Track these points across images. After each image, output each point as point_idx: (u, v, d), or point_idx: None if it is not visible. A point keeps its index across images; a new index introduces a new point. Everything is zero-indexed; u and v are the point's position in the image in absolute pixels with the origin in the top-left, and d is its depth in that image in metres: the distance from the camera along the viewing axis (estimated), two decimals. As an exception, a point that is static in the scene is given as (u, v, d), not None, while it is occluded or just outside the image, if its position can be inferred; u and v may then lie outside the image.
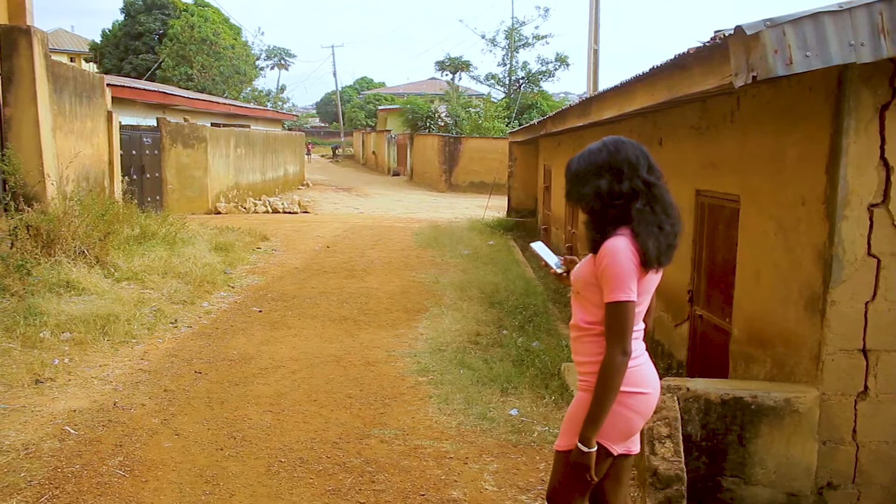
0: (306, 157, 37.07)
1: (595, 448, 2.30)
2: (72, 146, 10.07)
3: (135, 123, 15.48)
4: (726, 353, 4.51)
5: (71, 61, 32.79)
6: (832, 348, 3.36)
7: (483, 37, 37.29)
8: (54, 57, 9.96)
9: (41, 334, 6.01)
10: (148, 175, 15.61)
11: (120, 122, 13.21)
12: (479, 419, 4.75)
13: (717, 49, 3.27)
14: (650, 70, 4.51)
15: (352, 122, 58.98)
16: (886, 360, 3.37)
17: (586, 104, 7.25)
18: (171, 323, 7.03)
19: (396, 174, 37.07)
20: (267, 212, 19.01)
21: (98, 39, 35.54)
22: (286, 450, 4.26)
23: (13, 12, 9.57)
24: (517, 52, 36.35)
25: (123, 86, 15.47)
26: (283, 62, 68.86)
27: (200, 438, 4.39)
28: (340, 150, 57.78)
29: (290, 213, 19.12)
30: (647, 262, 2.26)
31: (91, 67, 31.91)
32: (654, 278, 2.37)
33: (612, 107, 5.85)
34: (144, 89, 17.10)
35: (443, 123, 32.62)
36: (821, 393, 3.41)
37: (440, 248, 12.41)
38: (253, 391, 5.26)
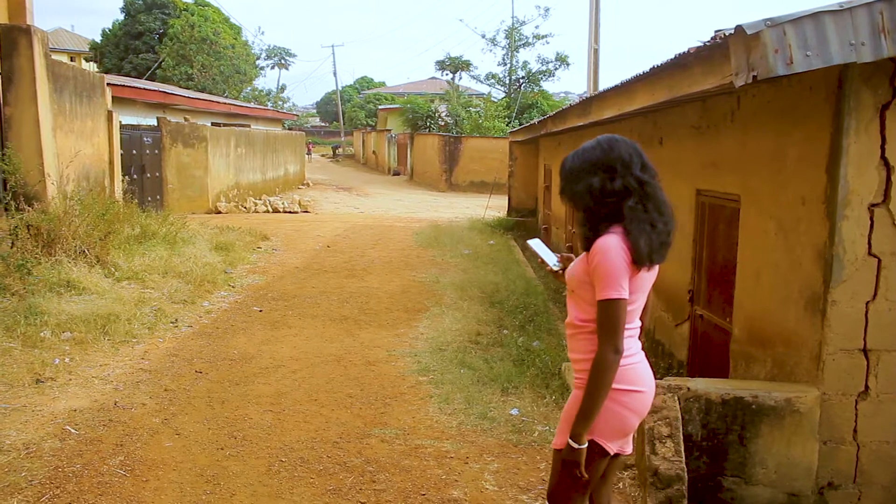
0: (307, 156, 37.08)
1: (585, 445, 2.30)
2: (72, 146, 10.07)
3: (135, 123, 15.48)
4: (727, 353, 4.51)
5: (71, 61, 32.77)
6: (833, 348, 3.36)
7: (483, 36, 37.34)
8: (54, 56, 9.95)
9: (42, 334, 6.01)
10: (148, 174, 15.61)
11: (120, 122, 13.21)
12: (480, 419, 4.75)
13: (718, 49, 3.26)
14: (650, 69, 4.51)
15: (352, 122, 58.96)
16: (887, 360, 3.37)
17: (586, 104, 7.25)
18: (172, 322, 7.04)
19: (397, 174, 37.06)
20: (267, 211, 19.01)
21: (98, 39, 35.57)
22: (287, 449, 4.26)
23: (13, 11, 9.58)
24: (517, 52, 36.36)
25: (124, 85, 15.47)
26: (283, 62, 68.84)
27: (201, 438, 4.39)
28: (341, 149, 57.78)
29: (290, 212, 19.11)
30: (638, 260, 2.26)
31: (91, 67, 31.91)
32: (648, 276, 2.37)
33: (613, 106, 5.85)
34: (145, 89, 17.10)
35: (443, 123, 32.62)
36: (821, 393, 3.41)
37: (440, 247, 12.41)
38: (253, 391, 5.26)
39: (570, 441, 2.31)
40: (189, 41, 32.21)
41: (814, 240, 3.49)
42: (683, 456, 3.30)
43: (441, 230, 14.40)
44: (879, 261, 3.31)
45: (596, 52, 15.85)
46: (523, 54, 68.79)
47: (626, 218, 2.29)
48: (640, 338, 2.52)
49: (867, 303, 3.33)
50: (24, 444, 4.20)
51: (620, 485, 3.86)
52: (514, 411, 4.90)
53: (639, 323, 2.46)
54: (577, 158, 2.41)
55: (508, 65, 36.33)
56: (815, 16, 2.81)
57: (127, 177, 13.46)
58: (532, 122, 14.68)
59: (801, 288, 3.60)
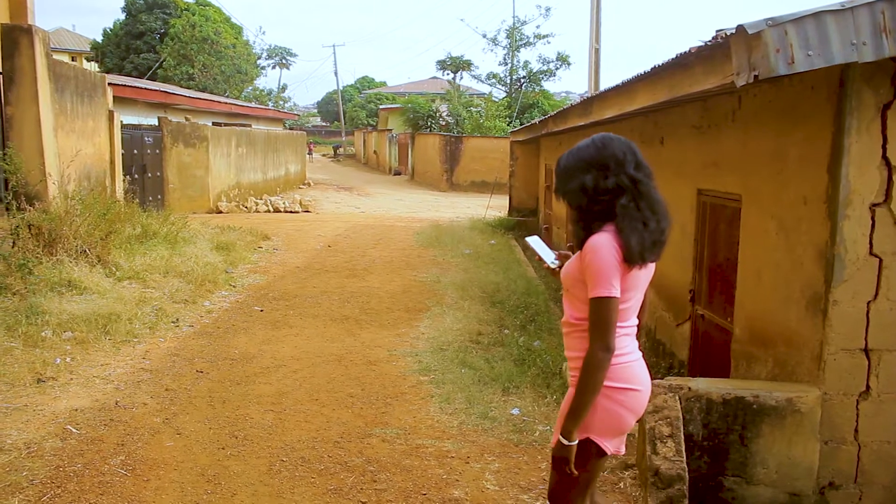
0: (308, 157, 37.10)
1: (576, 442, 2.30)
2: (73, 145, 10.08)
3: (136, 123, 15.48)
4: (728, 353, 4.51)
5: (72, 60, 32.79)
6: (834, 348, 3.36)
7: (484, 36, 37.19)
8: (56, 56, 9.95)
9: (43, 333, 6.01)
10: (149, 174, 15.62)
11: (121, 122, 13.21)
12: (481, 418, 4.75)
13: (719, 48, 3.26)
14: (651, 69, 4.51)
15: (353, 122, 58.98)
16: (888, 360, 3.36)
17: (587, 103, 7.25)
18: (173, 322, 7.04)
19: (398, 173, 37.06)
20: (268, 211, 19.01)
21: (99, 38, 35.58)
22: (288, 449, 4.26)
23: (15, 11, 9.58)
24: (518, 52, 36.32)
25: (125, 85, 15.47)
26: (284, 61, 68.89)
27: (202, 437, 4.39)
28: (342, 149, 57.79)
29: (291, 212, 19.11)
30: (629, 259, 2.25)
31: (92, 66, 31.90)
32: (643, 274, 2.37)
33: (614, 106, 5.85)
34: (146, 88, 17.10)
35: (444, 123, 32.60)
36: (822, 392, 3.40)
37: (441, 247, 12.41)
38: (254, 390, 5.27)
39: (560, 438, 2.32)
40: (190, 41, 32.22)
41: (815, 239, 3.48)
42: (684, 456, 3.30)
43: (442, 230, 14.40)
44: (881, 260, 3.30)
45: (597, 51, 15.84)
46: (524, 54, 68.87)
47: (619, 216, 2.29)
48: (638, 336, 2.51)
49: (868, 302, 3.33)
50: (26, 443, 4.20)
51: (621, 484, 3.86)
52: (516, 411, 4.90)
53: (635, 321, 2.46)
54: (572, 157, 2.42)
55: (509, 64, 36.32)
56: (817, 15, 2.81)
57: (128, 176, 13.46)
58: (533, 121, 14.68)
59: (802, 288, 3.60)
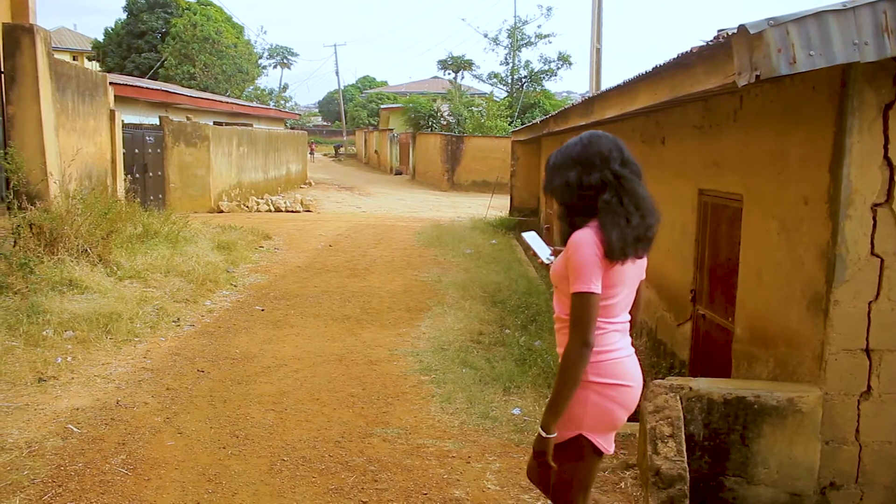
0: (310, 156, 37.08)
1: (554, 435, 2.32)
2: (74, 144, 10.08)
3: (137, 122, 15.50)
4: (729, 353, 4.50)
5: (74, 60, 32.83)
6: (835, 348, 3.36)
7: (486, 36, 37.11)
8: (57, 55, 9.96)
9: (44, 332, 6.02)
10: (150, 174, 15.63)
11: (122, 121, 13.22)
12: (482, 418, 4.75)
13: (721, 48, 3.26)
14: (653, 69, 4.50)
15: (354, 121, 59.00)
16: (889, 360, 3.36)
17: (589, 103, 7.24)
18: (174, 321, 7.04)
19: (399, 173, 37.07)
20: (269, 210, 19.02)
21: (101, 38, 35.61)
22: (289, 448, 4.26)
23: (16, 11, 9.58)
24: (520, 51, 36.32)
25: (126, 84, 15.48)
26: (285, 61, 68.97)
27: (203, 437, 4.40)
28: (343, 148, 57.81)
29: (292, 211, 19.13)
30: (609, 254, 2.26)
31: (94, 66, 31.94)
32: (630, 270, 2.37)
33: (615, 106, 5.84)
34: (147, 88, 17.11)
35: (445, 122, 32.61)
36: (824, 393, 3.40)
37: (442, 247, 12.41)
38: (255, 390, 5.27)
39: (539, 430, 2.33)
40: (191, 40, 32.24)
41: (816, 239, 3.48)
42: (685, 456, 3.30)
43: (443, 230, 14.40)
44: (882, 261, 3.30)
45: (598, 51, 15.82)
46: (526, 54, 68.80)
47: (601, 211, 2.30)
48: (632, 333, 2.52)
49: (870, 303, 3.32)
50: (27, 442, 4.20)
51: (622, 484, 3.86)
52: (517, 411, 4.90)
53: (626, 317, 2.46)
54: (559, 154, 2.45)
55: (511, 64, 36.31)
56: (819, 15, 2.81)
57: (129, 176, 13.47)
58: (534, 121, 14.68)
59: (803, 288, 3.59)
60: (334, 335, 6.86)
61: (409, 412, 4.90)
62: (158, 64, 32.64)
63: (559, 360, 2.48)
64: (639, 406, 3.41)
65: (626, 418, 2.44)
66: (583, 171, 2.34)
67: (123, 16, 34.84)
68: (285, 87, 62.15)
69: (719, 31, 3.27)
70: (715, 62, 3.41)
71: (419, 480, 3.89)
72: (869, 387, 3.39)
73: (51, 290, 6.89)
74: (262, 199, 19.95)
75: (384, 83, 64.75)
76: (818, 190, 3.47)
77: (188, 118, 17.80)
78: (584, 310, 2.24)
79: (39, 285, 6.89)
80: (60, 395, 5.01)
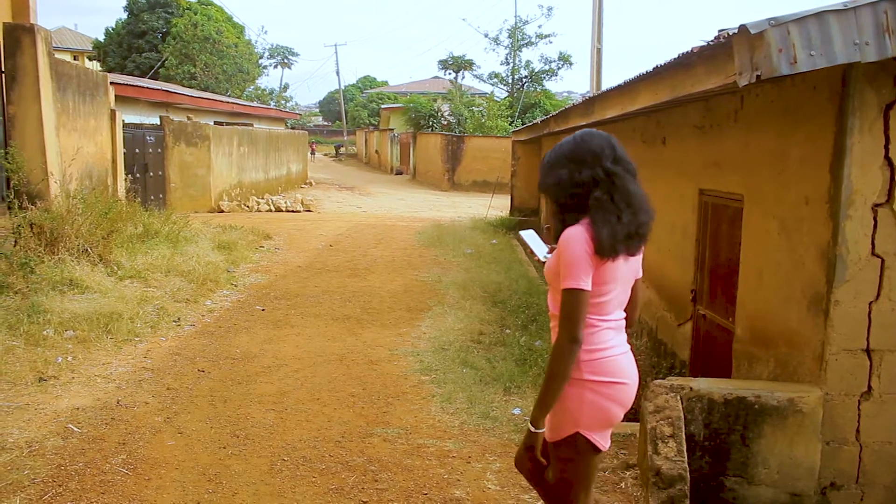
0: (311, 156, 37.07)
1: (543, 430, 2.34)
2: (75, 144, 10.08)
3: (138, 122, 15.50)
4: (729, 353, 4.50)
5: (74, 59, 32.85)
6: (836, 348, 3.36)
7: (486, 35, 37.04)
8: (58, 55, 9.96)
9: (44, 332, 6.02)
10: (151, 173, 15.63)
11: (123, 121, 13.23)
12: (482, 418, 4.75)
13: (721, 48, 3.26)
14: (653, 69, 4.50)
15: (355, 121, 59.02)
16: (890, 360, 3.36)
17: (589, 103, 7.24)
18: (175, 321, 7.04)
19: (399, 173, 37.07)
20: (270, 210, 19.02)
21: (101, 38, 35.61)
22: (289, 448, 4.26)
23: (17, 10, 9.58)
24: (520, 51, 36.27)
25: (127, 84, 15.49)
26: (286, 61, 68.96)
27: (203, 437, 4.40)
28: (343, 148, 57.81)
29: (292, 211, 19.13)
30: (599, 251, 2.26)
31: (94, 66, 31.93)
32: (623, 267, 2.37)
33: (615, 106, 5.84)
34: (147, 87, 17.12)
35: (446, 122, 32.61)
36: (824, 393, 3.40)
37: (443, 247, 12.41)
38: (256, 390, 5.27)
39: (529, 425, 2.35)
40: (192, 40, 32.24)
41: (817, 240, 3.48)
42: (686, 456, 3.30)
43: (443, 229, 14.40)
44: (883, 261, 3.30)
45: (599, 51, 15.82)
46: (526, 53, 68.64)
47: (591, 208, 2.31)
48: (629, 331, 2.52)
49: (870, 303, 3.32)
50: (27, 442, 4.20)
51: (623, 484, 3.86)
52: (517, 411, 4.90)
53: (620, 315, 2.46)
54: (553, 153, 2.46)
55: (511, 64, 36.28)
56: (820, 15, 2.80)
57: (130, 175, 13.47)
58: (535, 121, 14.68)
59: (804, 288, 3.59)
60: (335, 335, 6.86)
61: (409, 412, 4.90)
62: (159, 64, 32.65)
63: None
64: (639, 406, 3.42)
65: (622, 415, 2.45)
66: (574, 168, 2.35)
67: (124, 15, 34.85)
68: (286, 87, 62.24)
69: (720, 31, 3.27)
70: (716, 62, 3.41)
71: (419, 480, 3.89)
72: (869, 387, 3.39)
73: (51, 289, 6.89)
74: (263, 198, 19.95)
75: (385, 83, 64.75)
76: (819, 190, 3.47)
77: (189, 118, 17.81)
78: (573, 306, 2.25)
79: (40, 285, 6.89)
80: (61, 394, 5.02)
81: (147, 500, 3.61)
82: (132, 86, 15.82)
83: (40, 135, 8.77)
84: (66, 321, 6.26)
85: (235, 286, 8.94)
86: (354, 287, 9.09)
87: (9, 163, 8.16)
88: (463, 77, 40.88)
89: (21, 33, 8.73)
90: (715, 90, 3.73)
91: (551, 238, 2.43)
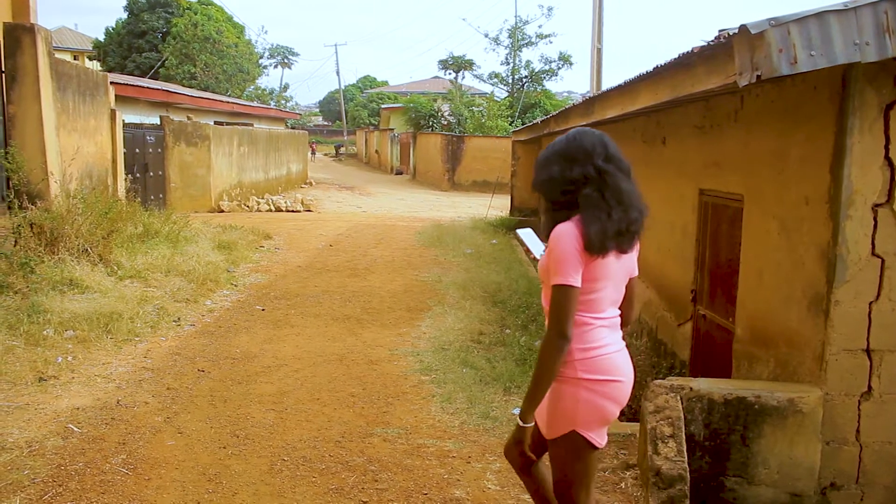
0: (311, 156, 37.06)
1: (531, 424, 2.36)
2: (75, 144, 10.08)
3: (138, 121, 15.50)
4: (729, 353, 4.50)
5: (74, 59, 32.87)
6: (836, 348, 3.36)
7: (486, 36, 37.00)
8: (58, 55, 9.95)
9: (44, 332, 6.02)
10: (151, 173, 15.63)
11: (123, 120, 13.23)
12: (482, 418, 4.75)
13: (722, 48, 3.26)
14: (654, 69, 4.50)
15: (355, 121, 59.02)
16: (890, 360, 3.36)
17: (589, 103, 7.24)
18: (175, 321, 7.04)
19: (399, 173, 37.07)
20: (270, 210, 19.02)
21: (101, 37, 35.62)
22: (289, 448, 4.26)
23: (17, 10, 9.58)
24: (520, 51, 36.24)
25: (127, 84, 15.49)
26: (286, 61, 68.97)
27: (203, 437, 4.40)
28: (343, 148, 57.81)
29: (293, 211, 19.12)
30: (588, 248, 2.27)
31: (94, 65, 31.92)
32: (615, 264, 2.37)
33: (616, 106, 5.84)
34: (148, 87, 17.12)
35: (446, 122, 32.60)
36: (824, 393, 3.40)
37: (443, 246, 12.42)
38: (256, 389, 5.27)
39: (518, 419, 2.36)
40: (192, 40, 32.25)
41: (817, 240, 3.48)
42: (686, 456, 3.30)
43: (443, 229, 14.40)
44: (883, 261, 3.30)
45: (599, 51, 15.82)
46: (526, 53, 68.64)
47: (581, 205, 2.32)
48: (623, 329, 2.52)
49: (870, 303, 3.32)
50: (27, 442, 4.20)
51: (623, 485, 3.86)
52: (517, 411, 4.86)
53: (614, 312, 2.46)
54: (547, 151, 2.48)
55: (511, 64, 36.26)
56: (820, 15, 2.80)
57: (130, 175, 13.47)
58: (535, 121, 14.68)
59: (804, 288, 3.59)
60: (335, 335, 6.86)
61: (409, 412, 4.90)
62: (159, 63, 32.65)
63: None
64: (639, 406, 3.42)
65: (617, 412, 2.46)
66: (566, 165, 2.37)
67: (124, 15, 34.86)
68: (286, 87, 62.27)
69: (720, 31, 3.27)
70: (716, 62, 3.41)
71: (419, 480, 3.89)
72: (869, 387, 3.39)
73: (51, 289, 6.89)
74: (263, 198, 19.95)
75: (385, 83, 64.75)
76: (819, 190, 3.47)
77: (189, 118, 17.80)
78: (561, 302, 2.26)
79: (40, 285, 6.89)
80: (61, 394, 5.02)
81: (147, 500, 3.61)
82: (132, 85, 15.82)
83: (40, 134, 8.77)
84: (66, 321, 6.26)
85: (235, 286, 8.94)
86: (354, 287, 9.10)
87: (9, 162, 8.16)
88: (463, 77, 40.91)
89: (21, 33, 8.73)
90: (715, 90, 3.73)
91: (545, 236, 2.44)
